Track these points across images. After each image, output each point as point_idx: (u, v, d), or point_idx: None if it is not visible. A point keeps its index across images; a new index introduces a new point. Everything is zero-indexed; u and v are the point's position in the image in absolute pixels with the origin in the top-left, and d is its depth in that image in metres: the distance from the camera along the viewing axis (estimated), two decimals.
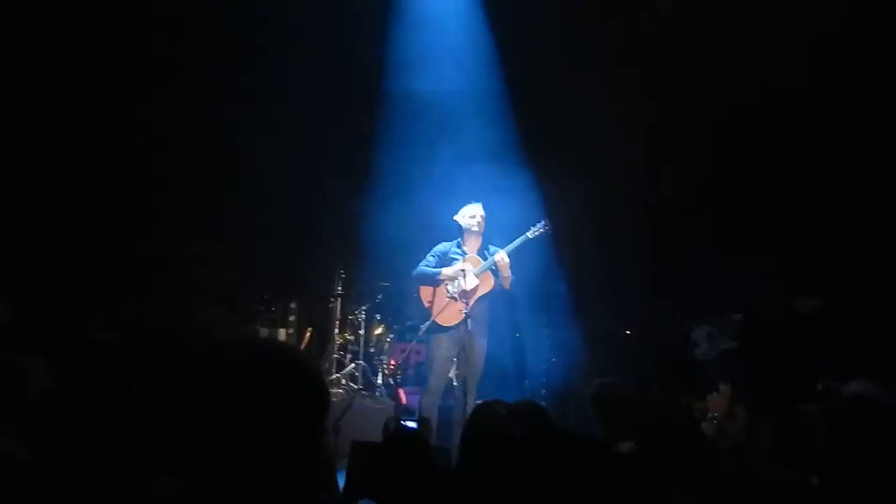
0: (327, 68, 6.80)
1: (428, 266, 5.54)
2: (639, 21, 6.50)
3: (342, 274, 6.79)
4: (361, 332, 6.68)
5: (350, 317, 6.83)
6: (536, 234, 5.47)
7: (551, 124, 7.01)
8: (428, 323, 5.39)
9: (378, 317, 7.04)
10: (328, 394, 1.35)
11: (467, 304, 5.19)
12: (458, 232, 5.56)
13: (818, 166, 6.17)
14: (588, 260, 7.00)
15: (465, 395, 5.09)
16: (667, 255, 6.82)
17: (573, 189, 6.84)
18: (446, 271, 5.43)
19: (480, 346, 5.36)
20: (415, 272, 5.58)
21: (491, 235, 5.66)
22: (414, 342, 6.22)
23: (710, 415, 3.35)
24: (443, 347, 5.37)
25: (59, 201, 6.11)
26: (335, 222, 7.13)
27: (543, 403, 6.52)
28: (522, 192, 6.34)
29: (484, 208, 5.56)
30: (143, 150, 6.42)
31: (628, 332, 7.06)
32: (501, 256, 5.32)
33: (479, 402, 5.41)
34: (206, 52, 6.39)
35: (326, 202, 7.11)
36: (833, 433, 2.72)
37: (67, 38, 6.07)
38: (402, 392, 6.40)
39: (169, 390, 1.29)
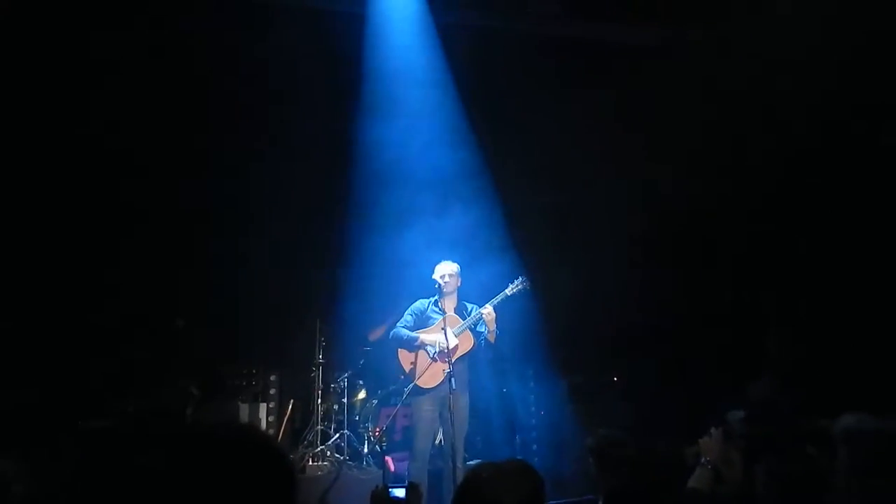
0: (303, 137, 6.81)
1: (406, 326, 5.47)
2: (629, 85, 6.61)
3: (322, 342, 6.65)
4: (344, 399, 6.51)
5: (332, 385, 6.66)
6: (515, 290, 5.44)
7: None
8: (410, 386, 5.29)
9: (361, 382, 6.88)
10: (295, 479, 1.28)
11: (449, 363, 5.09)
12: (435, 289, 5.48)
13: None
14: (573, 311, 6.97)
15: (453, 457, 4.95)
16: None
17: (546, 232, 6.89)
18: (425, 337, 5.37)
19: (464, 403, 5.31)
20: (392, 333, 5.49)
21: (469, 293, 5.61)
22: (399, 406, 5.95)
23: (702, 460, 3.26)
24: (426, 410, 5.29)
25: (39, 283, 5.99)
26: (313, 290, 7.04)
27: (536, 459, 6.40)
28: (502, 252, 6.34)
29: (464, 267, 5.53)
30: (131, 226, 6.37)
31: (615, 378, 6.99)
32: (489, 311, 5.30)
33: (469, 463, 5.34)
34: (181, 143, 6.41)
35: (303, 271, 7.03)
36: (836, 468, 2.68)
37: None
38: (389, 459, 6.20)
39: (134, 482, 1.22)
